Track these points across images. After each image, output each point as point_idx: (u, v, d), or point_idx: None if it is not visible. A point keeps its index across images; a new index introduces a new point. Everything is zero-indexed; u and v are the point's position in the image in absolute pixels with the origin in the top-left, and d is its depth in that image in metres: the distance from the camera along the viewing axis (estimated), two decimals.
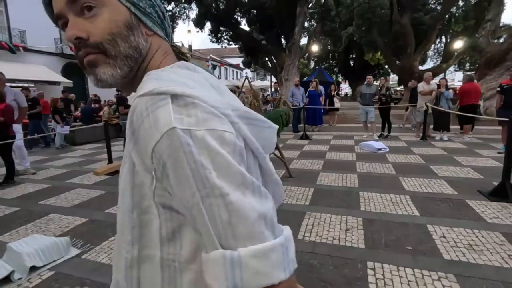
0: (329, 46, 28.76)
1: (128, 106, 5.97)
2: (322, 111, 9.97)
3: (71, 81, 14.97)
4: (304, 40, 20.12)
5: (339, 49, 25.43)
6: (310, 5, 15.87)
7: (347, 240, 2.61)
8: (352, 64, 29.48)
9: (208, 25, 16.02)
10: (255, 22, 16.39)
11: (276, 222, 0.40)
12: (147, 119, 0.39)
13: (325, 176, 4.53)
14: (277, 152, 4.61)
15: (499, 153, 5.46)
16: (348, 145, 6.97)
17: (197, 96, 0.40)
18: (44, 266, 2.34)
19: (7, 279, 2.17)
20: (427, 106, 7.01)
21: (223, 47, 17.85)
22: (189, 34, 16.71)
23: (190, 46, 16.81)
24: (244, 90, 8.70)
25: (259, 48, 16.43)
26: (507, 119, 3.27)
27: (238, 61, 32.09)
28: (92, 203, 3.77)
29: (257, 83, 29.77)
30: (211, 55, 34.64)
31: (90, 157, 6.84)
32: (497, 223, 2.82)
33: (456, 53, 16.83)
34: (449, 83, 13.73)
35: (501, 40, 12.47)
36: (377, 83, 9.25)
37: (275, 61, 16.07)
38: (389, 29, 16.48)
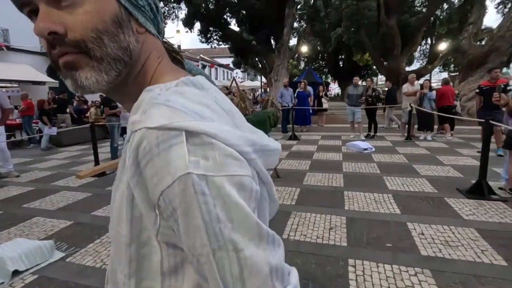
0: (318, 47, 29.04)
1: (114, 107, 5.89)
2: (311, 111, 10.09)
3: (57, 81, 14.65)
4: (294, 41, 20.28)
5: (328, 50, 25.72)
6: (299, 6, 16.02)
7: (331, 238, 2.68)
8: (341, 65, 29.86)
9: (197, 25, 15.96)
10: (244, 23, 16.42)
11: (285, 270, 0.38)
12: (157, 158, 0.33)
13: (311, 176, 4.61)
14: None
15: (478, 152, 5.65)
16: (336, 145, 7.09)
17: (215, 133, 0.35)
18: (27, 270, 2.33)
19: None
20: (411, 106, 7.20)
21: (213, 47, 17.80)
22: (178, 34, 16.61)
23: (179, 46, 16.70)
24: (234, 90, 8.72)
25: (248, 49, 16.47)
26: (483, 120, 3.41)
27: (229, 61, 32.06)
28: (77, 206, 3.74)
29: (248, 84, 29.79)
30: (201, 55, 34.48)
31: (76, 159, 6.74)
32: (472, 219, 2.95)
33: (441, 55, 17.29)
34: (434, 84, 14.11)
35: (483, 43, 12.88)
36: (365, 83, 9.43)
37: (264, 61, 16.14)
38: (377, 30, 16.79)
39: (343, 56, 28.43)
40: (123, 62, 0.41)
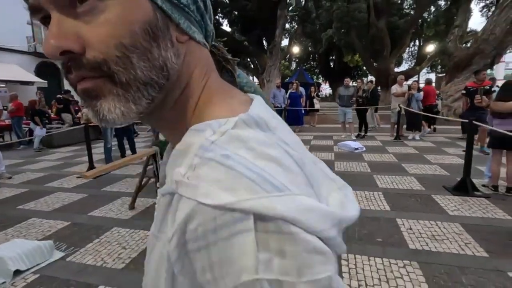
0: (309, 48, 29.35)
1: None
2: (303, 112, 10.25)
3: (46, 81, 14.43)
4: (285, 42, 20.46)
5: (319, 51, 26.01)
6: (291, 8, 16.19)
7: None
8: (332, 66, 30.23)
9: None
10: (236, 23, 16.51)
11: None
12: (213, 248, 0.25)
13: None
14: None
15: (463, 151, 5.86)
16: (327, 145, 7.25)
17: (294, 217, 0.24)
18: (28, 269, 2.36)
19: None
20: (400, 107, 7.42)
21: None
22: None
23: None
24: None
25: (241, 49, 16.56)
26: (467, 121, 3.59)
27: None
28: (73, 207, 3.75)
29: None
30: None
31: (69, 160, 6.70)
32: (457, 215, 3.11)
33: (428, 56, 17.75)
34: (422, 85, 14.50)
35: (468, 45, 13.30)
36: (355, 84, 9.65)
37: (257, 62, 16.26)
38: (367, 32, 17.13)
39: (333, 57, 28.79)
40: (157, 87, 0.31)
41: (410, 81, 12.26)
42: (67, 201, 3.97)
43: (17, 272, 2.30)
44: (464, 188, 3.67)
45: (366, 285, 2.07)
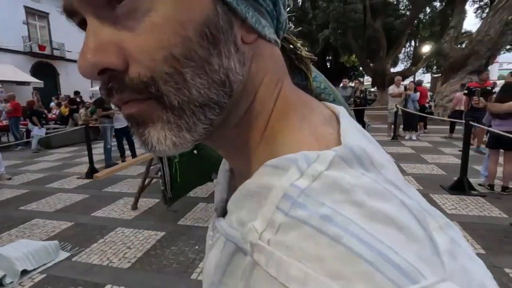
0: (306, 48, 29.38)
1: (107, 108, 5.87)
2: None
3: (42, 81, 14.35)
4: None
5: (316, 51, 26.12)
6: (288, 9, 16.26)
7: None
8: (328, 66, 30.39)
9: None
10: None
11: None
12: None
13: None
14: None
15: (460, 151, 5.94)
16: None
17: None
18: (34, 269, 2.38)
19: None
20: (397, 107, 7.52)
21: None
22: None
23: None
24: None
25: None
26: (463, 121, 3.67)
27: None
28: (76, 207, 3.77)
29: None
30: None
31: (68, 161, 6.69)
32: (455, 213, 3.19)
33: (424, 57, 17.93)
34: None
35: (463, 46, 13.48)
36: (352, 84, 9.74)
37: None
38: (363, 32, 17.25)
39: (330, 57, 28.95)
40: (217, 108, 0.25)
41: (406, 81, 12.40)
42: (69, 201, 3.98)
43: (24, 272, 2.32)
44: (461, 187, 3.76)
45: None
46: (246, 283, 0.21)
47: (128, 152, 6.23)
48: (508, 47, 14.98)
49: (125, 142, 6.12)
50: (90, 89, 16.10)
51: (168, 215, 3.33)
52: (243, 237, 0.22)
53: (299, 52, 0.34)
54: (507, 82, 3.89)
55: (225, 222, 0.27)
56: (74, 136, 8.63)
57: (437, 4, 18.27)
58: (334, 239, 0.18)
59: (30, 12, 15.79)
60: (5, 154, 7.60)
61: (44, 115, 9.39)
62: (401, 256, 0.17)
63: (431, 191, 3.86)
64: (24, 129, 9.07)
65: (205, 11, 0.23)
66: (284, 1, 0.28)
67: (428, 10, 19.00)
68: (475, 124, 4.20)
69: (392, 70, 20.77)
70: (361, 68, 24.93)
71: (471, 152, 4.04)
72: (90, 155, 5.21)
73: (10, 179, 5.18)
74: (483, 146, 5.59)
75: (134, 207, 3.59)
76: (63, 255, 2.60)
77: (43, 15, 16.57)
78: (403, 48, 21.99)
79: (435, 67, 22.67)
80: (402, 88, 7.93)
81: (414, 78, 18.86)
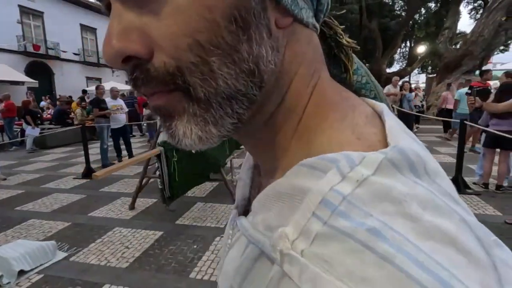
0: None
1: (103, 108, 5.82)
2: None
3: (36, 81, 14.19)
4: None
5: None
6: None
7: None
8: None
9: None
10: None
11: None
12: None
13: None
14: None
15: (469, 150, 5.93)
16: None
17: None
18: (32, 270, 2.37)
19: None
20: (392, 107, 7.59)
21: None
22: None
23: None
24: None
25: None
26: (458, 120, 3.71)
27: None
28: (73, 207, 3.75)
29: None
30: None
31: (64, 161, 6.64)
32: None
33: (419, 57, 18.09)
34: (413, 85, 14.79)
35: (458, 46, 13.62)
36: None
37: None
38: (359, 33, 17.36)
39: None
40: (246, 100, 0.23)
41: (400, 82, 12.49)
42: (65, 202, 3.95)
43: (21, 273, 2.31)
44: (456, 186, 3.78)
45: None
46: None
47: (124, 152, 6.20)
48: (501, 47, 15.19)
49: (121, 142, 6.09)
50: (86, 89, 15.96)
51: (166, 214, 3.32)
52: (272, 244, 0.19)
53: (340, 39, 0.30)
54: (505, 82, 3.92)
55: (248, 222, 0.25)
56: (69, 136, 8.57)
57: (432, 5, 18.45)
58: (384, 258, 0.15)
59: (25, 11, 15.63)
60: (0, 155, 7.53)
61: (39, 115, 9.31)
62: (464, 284, 0.15)
63: None
64: (18, 129, 8.98)
65: None
66: None
67: (423, 11, 19.18)
68: (470, 123, 4.24)
69: (388, 70, 20.91)
70: None
71: (466, 151, 4.09)
72: (86, 155, 5.18)
73: (5, 179, 5.13)
74: (478, 145, 5.65)
75: (132, 207, 3.58)
76: (61, 255, 2.59)
77: (38, 14, 16.42)
78: (399, 49, 22.15)
79: (430, 68, 22.88)
80: (398, 89, 8.02)
81: (409, 78, 19.03)
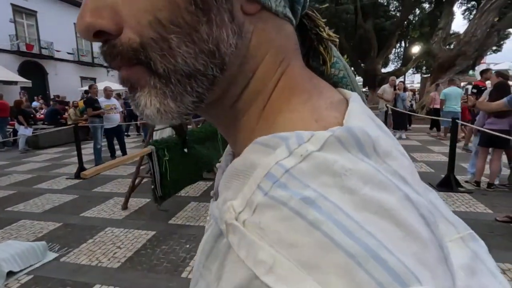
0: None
1: (97, 108, 5.76)
2: None
3: (30, 81, 14.03)
4: None
5: None
6: None
7: None
8: None
9: None
10: None
11: None
12: None
13: None
14: None
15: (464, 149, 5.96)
16: None
17: None
18: (21, 270, 2.34)
19: None
20: (387, 107, 7.63)
21: None
22: None
23: None
24: None
25: None
26: (450, 119, 3.74)
27: None
28: (64, 208, 3.71)
29: None
30: None
31: (57, 161, 6.57)
32: None
33: (414, 57, 18.22)
34: (408, 85, 14.91)
35: (451, 47, 13.75)
36: None
37: None
38: (354, 33, 17.44)
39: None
40: (206, 80, 0.23)
41: (397, 82, 12.58)
42: (57, 202, 3.91)
43: (10, 274, 2.27)
44: (448, 184, 3.83)
45: None
46: (220, 265, 0.19)
47: (118, 152, 6.15)
48: (494, 48, 15.36)
49: (115, 142, 6.05)
50: (79, 89, 15.84)
51: (159, 214, 3.30)
52: (220, 217, 0.20)
53: (320, 32, 0.30)
54: (499, 82, 3.93)
55: (214, 204, 0.25)
56: (62, 136, 8.49)
57: (426, 6, 18.60)
58: (312, 225, 0.16)
59: (18, 10, 15.45)
60: None
61: (32, 115, 9.21)
62: (393, 254, 0.15)
63: None
64: (11, 129, 8.87)
65: None
66: None
67: (417, 11, 19.33)
68: (463, 122, 4.28)
69: (383, 70, 21.05)
70: (352, 68, 25.16)
71: (458, 150, 4.13)
72: (79, 155, 5.13)
73: None
74: (470, 144, 5.71)
75: (124, 207, 3.55)
76: (51, 255, 2.56)
77: (31, 13, 16.24)
78: (394, 49, 22.29)
79: (424, 68, 23.06)
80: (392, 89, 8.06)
81: (404, 78, 19.17)
